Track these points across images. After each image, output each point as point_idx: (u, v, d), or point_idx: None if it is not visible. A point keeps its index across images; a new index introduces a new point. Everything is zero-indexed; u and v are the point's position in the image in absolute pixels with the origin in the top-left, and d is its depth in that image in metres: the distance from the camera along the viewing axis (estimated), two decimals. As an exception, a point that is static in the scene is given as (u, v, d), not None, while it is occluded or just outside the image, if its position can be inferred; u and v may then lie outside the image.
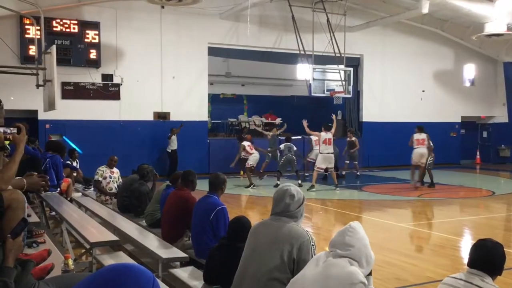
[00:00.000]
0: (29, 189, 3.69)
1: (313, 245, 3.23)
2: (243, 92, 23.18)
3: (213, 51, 17.55)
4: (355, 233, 2.77)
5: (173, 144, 16.13)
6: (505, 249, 3.14)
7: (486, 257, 3.04)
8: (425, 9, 16.09)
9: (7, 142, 3.30)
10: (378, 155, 19.58)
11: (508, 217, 11.34)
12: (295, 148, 14.67)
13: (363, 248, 2.75)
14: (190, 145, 16.58)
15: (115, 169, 9.61)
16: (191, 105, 16.96)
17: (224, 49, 17.83)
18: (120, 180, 9.61)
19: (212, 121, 20.46)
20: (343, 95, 17.07)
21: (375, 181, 16.40)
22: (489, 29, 16.72)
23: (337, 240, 2.80)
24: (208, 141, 17.61)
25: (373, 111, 20.13)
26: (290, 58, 18.77)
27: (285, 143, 14.70)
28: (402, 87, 20.44)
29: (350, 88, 17.06)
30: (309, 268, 2.84)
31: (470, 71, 22.41)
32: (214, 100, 21.06)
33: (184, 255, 4.88)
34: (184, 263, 4.98)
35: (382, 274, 6.01)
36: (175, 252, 4.94)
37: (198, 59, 17.03)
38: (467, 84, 22.58)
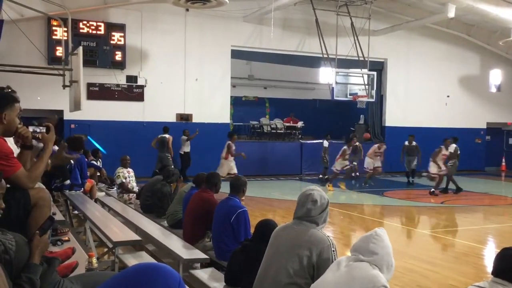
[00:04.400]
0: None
1: (333, 250, 3.18)
2: (265, 95, 23.19)
3: (236, 54, 17.61)
4: (379, 240, 2.75)
5: (186, 147, 16.09)
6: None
7: (510, 266, 2.99)
8: (451, 14, 15.87)
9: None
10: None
11: (534, 226, 11.09)
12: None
13: (386, 256, 2.74)
14: (211, 147, 16.62)
15: (129, 169, 9.80)
16: (213, 107, 17.05)
17: (247, 52, 17.88)
18: (134, 178, 9.90)
19: (234, 124, 20.52)
20: (366, 99, 16.92)
21: (397, 187, 16.23)
22: (517, 34, 16.44)
23: (360, 246, 2.79)
24: (229, 143, 17.64)
25: (396, 115, 19.93)
26: (313, 62, 18.71)
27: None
28: (426, 92, 20.18)
29: (374, 92, 16.93)
30: (331, 272, 2.82)
31: (496, 76, 22.04)
32: (236, 102, 21.13)
33: (204, 256, 4.90)
34: (204, 264, 5.00)
35: (404, 281, 5.95)
36: (196, 253, 4.96)
37: (221, 61, 17.12)
38: (493, 89, 22.20)
